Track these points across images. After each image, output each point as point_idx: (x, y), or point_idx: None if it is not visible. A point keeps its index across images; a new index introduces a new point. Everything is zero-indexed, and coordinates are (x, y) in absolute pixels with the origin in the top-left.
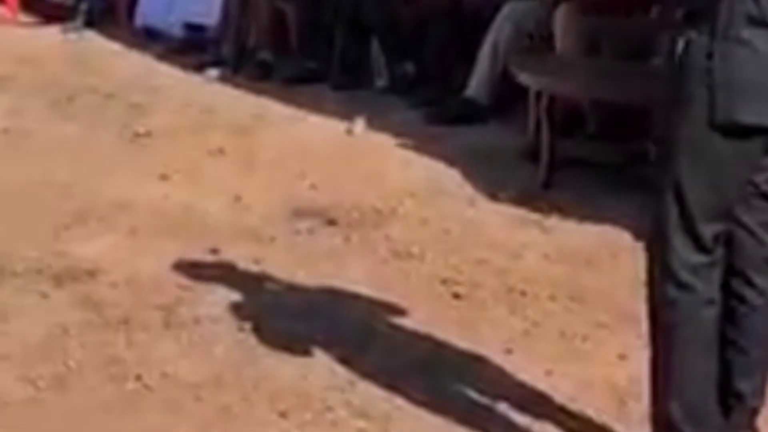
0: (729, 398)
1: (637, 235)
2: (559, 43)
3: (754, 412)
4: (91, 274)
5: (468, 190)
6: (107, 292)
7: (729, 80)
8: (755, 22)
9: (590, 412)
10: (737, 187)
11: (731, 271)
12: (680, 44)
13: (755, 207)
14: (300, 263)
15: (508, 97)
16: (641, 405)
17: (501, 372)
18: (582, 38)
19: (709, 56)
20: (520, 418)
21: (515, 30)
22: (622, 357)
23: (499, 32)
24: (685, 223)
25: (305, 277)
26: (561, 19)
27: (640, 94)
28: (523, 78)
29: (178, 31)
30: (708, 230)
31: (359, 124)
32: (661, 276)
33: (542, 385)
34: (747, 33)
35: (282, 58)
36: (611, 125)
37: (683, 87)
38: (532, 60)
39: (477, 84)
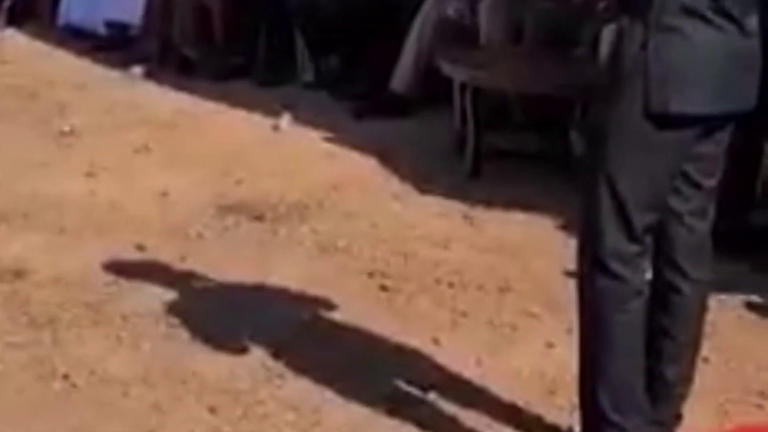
0: (656, 385)
1: (563, 225)
2: (483, 33)
3: (681, 398)
4: (17, 273)
5: (394, 182)
6: (33, 291)
7: (663, 70)
8: (688, 11)
9: (519, 401)
10: (670, 176)
11: (663, 260)
12: (612, 33)
13: (686, 195)
14: (227, 259)
15: (433, 88)
16: (570, 393)
17: (430, 363)
18: (506, 26)
19: (643, 46)
20: (449, 408)
21: (440, 21)
22: (550, 345)
23: (423, 24)
24: (617, 213)
25: (233, 272)
26: (485, 7)
27: (563, 83)
28: (448, 69)
29: (101, 29)
30: (640, 220)
31: (285, 120)
32: (590, 265)
33: (471, 374)
34: (680, 22)
35: (206, 54)
36: (536, 115)
37: (616, 76)
38: (456, 51)
39: (401, 76)
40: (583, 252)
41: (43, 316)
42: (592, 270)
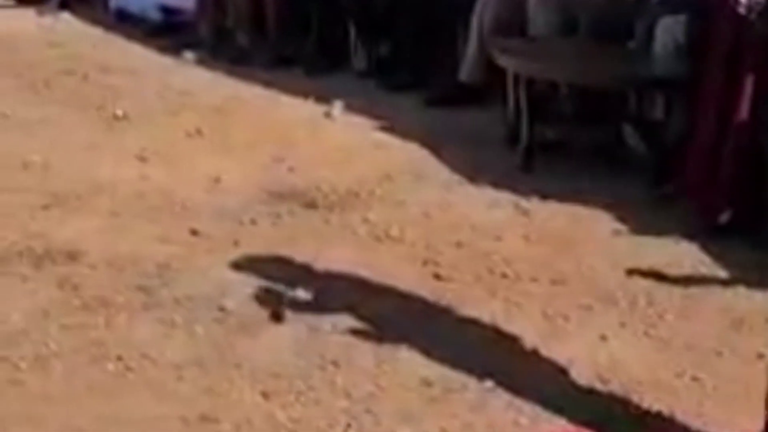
0: None
1: (615, 218)
2: (533, 25)
3: None
4: (71, 256)
5: (446, 173)
6: (87, 274)
7: None
8: None
9: (572, 392)
10: None
11: None
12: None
13: None
14: (280, 245)
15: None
16: (622, 383)
17: (483, 352)
18: (558, 18)
19: None
20: (502, 397)
21: (498, 11)
22: (603, 338)
23: (482, 13)
24: None
25: (286, 258)
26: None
27: (617, 76)
28: (501, 60)
29: (153, 14)
30: None
31: (337, 107)
32: None
33: (525, 364)
34: None
35: (259, 41)
36: (589, 108)
37: None
38: (510, 42)
39: (469, 67)
40: None
41: (96, 299)
42: None
